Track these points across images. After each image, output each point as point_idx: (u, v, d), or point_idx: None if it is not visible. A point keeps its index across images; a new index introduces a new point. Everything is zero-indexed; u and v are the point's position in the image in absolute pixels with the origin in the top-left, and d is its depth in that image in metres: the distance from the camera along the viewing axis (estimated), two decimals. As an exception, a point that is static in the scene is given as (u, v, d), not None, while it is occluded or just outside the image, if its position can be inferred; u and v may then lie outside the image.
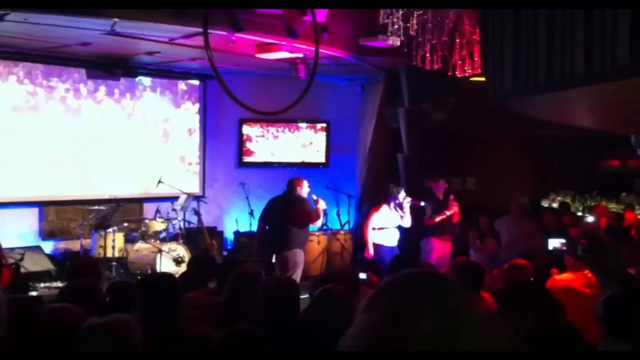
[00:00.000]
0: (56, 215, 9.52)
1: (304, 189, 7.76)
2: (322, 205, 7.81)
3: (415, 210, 8.25)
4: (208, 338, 2.98)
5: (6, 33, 7.60)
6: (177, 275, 8.09)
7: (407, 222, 8.18)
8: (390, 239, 8.11)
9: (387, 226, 8.10)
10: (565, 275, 5.13)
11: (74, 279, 4.20)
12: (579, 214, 11.21)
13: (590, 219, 9.14)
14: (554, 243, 5.58)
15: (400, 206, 8.14)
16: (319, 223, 8.02)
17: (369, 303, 1.43)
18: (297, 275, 7.33)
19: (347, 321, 3.59)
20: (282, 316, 3.54)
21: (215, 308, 4.06)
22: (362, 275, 5.35)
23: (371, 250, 8.03)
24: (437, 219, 8.21)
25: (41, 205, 9.37)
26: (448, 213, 8.26)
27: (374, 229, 8.10)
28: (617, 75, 4.21)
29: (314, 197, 7.84)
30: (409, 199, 8.15)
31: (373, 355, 1.40)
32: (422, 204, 8.29)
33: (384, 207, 8.14)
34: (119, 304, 3.73)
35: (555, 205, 12.39)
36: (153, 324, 3.23)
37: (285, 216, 7.57)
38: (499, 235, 8.65)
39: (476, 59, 8.17)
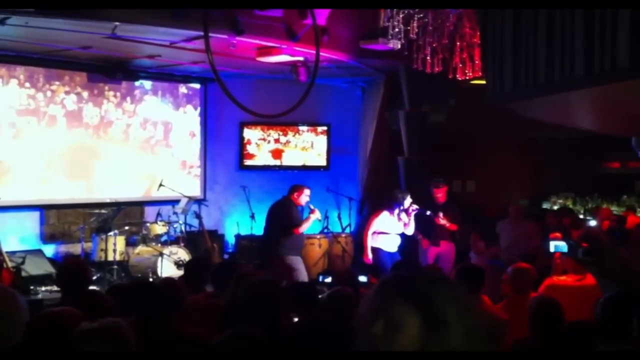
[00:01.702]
0: (57, 218, 9.53)
1: (302, 198, 7.80)
2: (316, 215, 7.88)
3: (419, 218, 8.23)
4: (204, 339, 2.98)
5: (7, 37, 7.62)
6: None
7: (410, 230, 8.16)
8: (390, 244, 8.09)
9: (388, 232, 8.08)
10: (564, 277, 5.14)
11: (63, 281, 4.22)
12: (580, 216, 11.20)
13: (592, 222, 9.13)
14: (556, 245, 5.57)
15: (406, 212, 8.10)
16: (301, 230, 7.82)
17: (362, 306, 1.44)
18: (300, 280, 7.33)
19: (350, 323, 3.58)
20: (262, 318, 3.47)
21: (215, 311, 4.05)
22: (363, 278, 5.37)
23: (369, 255, 8.03)
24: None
25: (42, 208, 9.37)
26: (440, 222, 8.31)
27: (374, 233, 8.10)
28: (617, 77, 4.21)
29: (311, 206, 7.91)
30: (415, 206, 8.10)
31: (373, 356, 1.41)
32: (428, 212, 8.24)
33: (384, 213, 8.12)
34: (118, 307, 3.73)
35: (555, 207, 12.39)
36: (148, 326, 3.23)
37: (270, 222, 7.66)
38: (499, 238, 8.66)
39: (477, 61, 8.17)
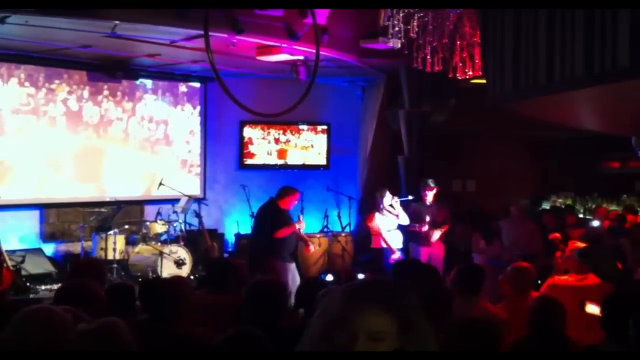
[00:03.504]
0: (57, 217, 9.53)
1: (292, 202, 7.63)
2: (300, 226, 7.73)
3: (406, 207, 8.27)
4: (208, 339, 2.97)
5: (7, 36, 7.61)
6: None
7: (404, 220, 8.16)
8: (394, 241, 8.09)
9: (388, 229, 8.09)
10: (566, 277, 5.14)
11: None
12: (580, 215, 11.21)
13: (595, 222, 9.13)
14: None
15: (390, 206, 8.15)
16: (280, 234, 7.43)
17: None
18: None
19: None
20: (263, 318, 3.47)
21: (220, 307, 4.04)
22: (361, 277, 5.36)
23: (396, 254, 7.99)
24: (410, 228, 8.32)
25: (42, 207, 9.37)
26: (417, 227, 8.31)
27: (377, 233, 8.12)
28: (617, 77, 4.21)
29: (301, 217, 7.83)
30: (396, 198, 8.16)
31: (372, 356, 1.40)
32: (410, 197, 8.29)
33: (376, 214, 8.14)
34: (117, 306, 3.72)
35: (548, 207, 12.39)
36: (149, 326, 3.23)
37: (256, 225, 7.64)
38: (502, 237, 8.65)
39: (477, 61, 8.16)
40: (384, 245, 8.05)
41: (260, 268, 7.21)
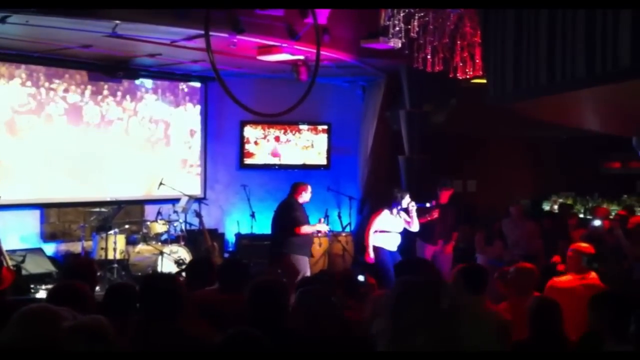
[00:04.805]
0: (57, 217, 9.53)
1: (305, 195, 7.79)
2: (322, 227, 8.07)
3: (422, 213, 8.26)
4: (206, 339, 2.97)
5: (8, 35, 7.62)
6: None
7: (415, 227, 8.14)
8: (391, 243, 8.07)
9: (390, 230, 8.06)
10: (566, 277, 5.14)
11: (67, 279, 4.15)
12: (581, 215, 11.19)
13: (597, 222, 9.13)
14: None
15: (405, 211, 8.09)
16: (302, 230, 7.64)
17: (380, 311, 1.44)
18: None
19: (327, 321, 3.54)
20: (265, 318, 3.46)
21: (228, 306, 4.03)
22: (360, 278, 5.35)
23: (371, 254, 8.00)
24: (421, 220, 8.31)
25: (43, 207, 9.37)
26: (429, 216, 8.36)
27: (375, 232, 8.07)
28: (619, 77, 4.21)
29: (322, 219, 8.13)
30: (414, 203, 8.10)
31: (373, 356, 1.41)
32: (428, 204, 8.29)
33: (385, 211, 8.09)
34: (117, 306, 3.71)
35: (556, 207, 12.37)
36: (151, 326, 3.22)
37: (276, 222, 7.74)
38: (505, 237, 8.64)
39: (477, 61, 8.16)
40: (378, 245, 8.02)
41: (280, 263, 7.36)
